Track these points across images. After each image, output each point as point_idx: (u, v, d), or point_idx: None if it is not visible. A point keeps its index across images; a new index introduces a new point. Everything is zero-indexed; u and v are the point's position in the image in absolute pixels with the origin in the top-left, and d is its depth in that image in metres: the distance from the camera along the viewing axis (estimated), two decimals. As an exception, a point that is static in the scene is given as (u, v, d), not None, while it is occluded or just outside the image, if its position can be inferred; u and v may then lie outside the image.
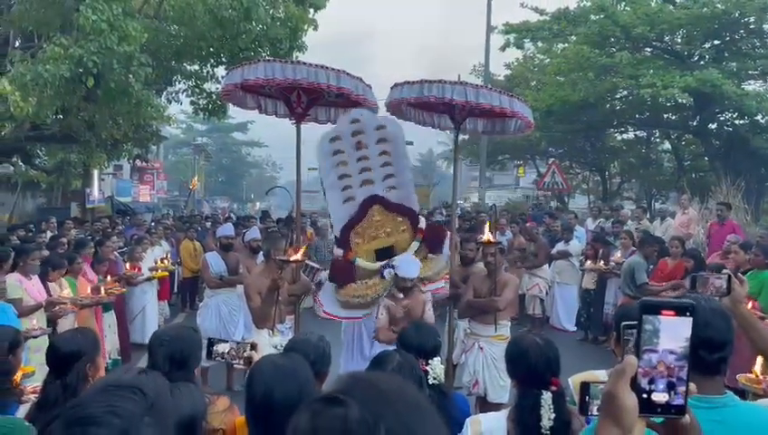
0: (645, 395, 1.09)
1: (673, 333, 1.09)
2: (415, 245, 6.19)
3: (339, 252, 6.30)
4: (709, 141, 21.20)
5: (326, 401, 0.97)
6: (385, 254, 6.17)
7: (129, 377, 1.39)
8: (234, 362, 2.73)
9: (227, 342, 2.81)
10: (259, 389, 2.12)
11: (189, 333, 2.73)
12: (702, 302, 1.98)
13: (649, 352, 1.09)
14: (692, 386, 1.11)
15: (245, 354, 2.69)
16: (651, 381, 1.09)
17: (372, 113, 6.06)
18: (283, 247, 5.80)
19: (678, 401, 1.09)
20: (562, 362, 2.72)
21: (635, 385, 1.09)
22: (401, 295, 5.47)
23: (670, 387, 1.09)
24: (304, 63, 5.48)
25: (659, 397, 1.09)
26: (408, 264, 5.56)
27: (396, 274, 5.53)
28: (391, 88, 6.05)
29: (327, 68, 5.44)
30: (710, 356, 1.88)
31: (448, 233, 6.43)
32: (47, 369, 2.82)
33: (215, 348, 2.74)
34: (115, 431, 1.02)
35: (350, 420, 0.92)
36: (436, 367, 2.92)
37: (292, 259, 5.20)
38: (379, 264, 6.04)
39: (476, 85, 5.66)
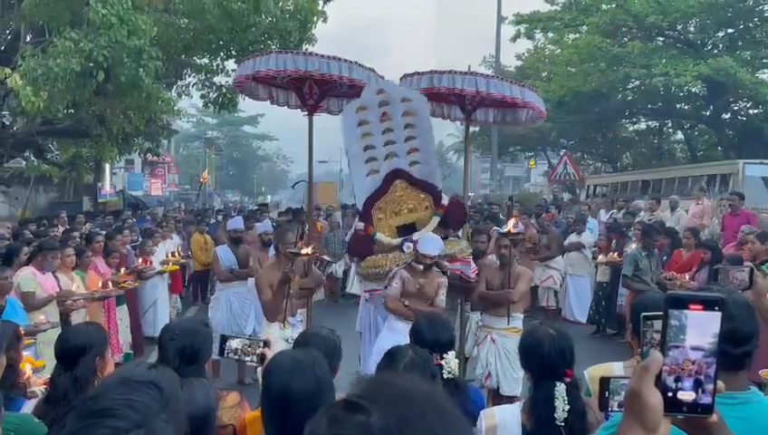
0: (670, 393, 1.04)
1: (701, 329, 1.04)
2: (435, 220, 6.06)
3: (359, 225, 6.17)
4: (723, 131, 21.03)
5: (347, 408, 0.90)
6: (407, 231, 6.05)
7: (144, 372, 1.37)
8: (246, 358, 2.70)
9: (240, 338, 2.78)
10: (276, 383, 2.09)
11: (200, 327, 2.71)
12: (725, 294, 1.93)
13: (675, 349, 1.04)
14: (720, 384, 1.07)
15: (258, 351, 2.66)
16: (677, 379, 1.04)
17: (397, 85, 5.86)
18: (291, 240, 5.76)
19: (706, 399, 1.04)
20: (576, 354, 2.68)
21: (660, 383, 1.04)
22: (420, 267, 5.38)
23: (697, 385, 1.04)
24: (316, 55, 5.46)
25: (686, 395, 1.04)
26: (429, 241, 5.46)
27: (416, 250, 5.46)
28: (401, 79, 6.02)
29: (339, 59, 5.42)
30: (734, 350, 1.82)
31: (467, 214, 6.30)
32: (58, 363, 2.82)
33: (227, 344, 2.72)
34: (132, 425, 1.01)
35: (372, 428, 0.86)
36: (450, 361, 2.88)
37: (302, 253, 5.18)
38: (398, 240, 5.92)
39: (487, 75, 5.63)
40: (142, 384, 1.11)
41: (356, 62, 5.44)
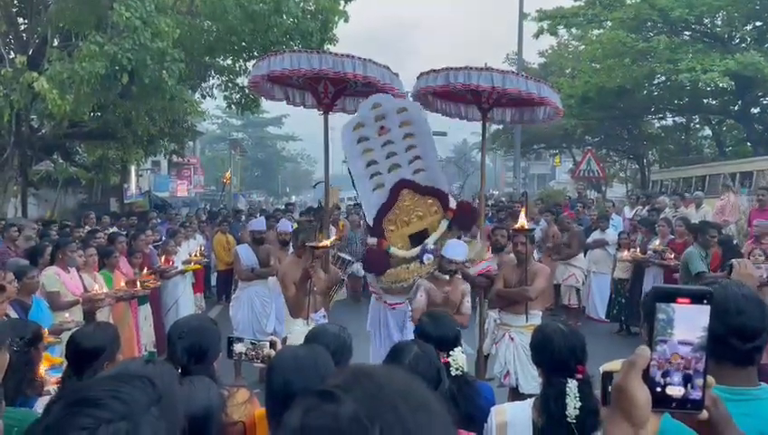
0: (659, 389, 1.02)
1: (689, 323, 1.01)
2: (444, 224, 6.08)
3: (372, 241, 6.21)
4: (752, 126, 20.63)
5: (320, 396, 0.90)
6: (419, 239, 6.08)
7: (141, 367, 1.37)
8: (253, 362, 2.70)
9: (244, 342, 2.79)
10: (278, 380, 2.09)
11: (209, 326, 2.71)
12: (734, 288, 1.88)
13: (663, 343, 1.02)
14: (710, 379, 1.04)
15: (265, 353, 2.66)
16: (666, 374, 1.02)
17: (392, 97, 5.91)
18: (313, 237, 5.79)
19: (696, 394, 1.02)
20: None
21: (648, 378, 1.02)
22: (446, 277, 5.37)
23: (686, 380, 1.02)
24: (330, 53, 5.48)
25: (674, 391, 1.02)
26: (454, 246, 5.46)
27: (442, 256, 5.43)
28: (417, 78, 6.00)
29: (353, 57, 5.43)
30: (743, 345, 1.78)
31: (478, 216, 6.34)
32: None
33: (234, 347, 2.73)
34: (116, 416, 1.00)
35: (341, 417, 0.86)
36: (458, 358, 2.87)
37: (320, 245, 5.21)
38: (414, 251, 5.95)
39: (503, 71, 5.57)
40: (135, 378, 1.10)
41: (370, 60, 5.44)
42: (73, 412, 1.00)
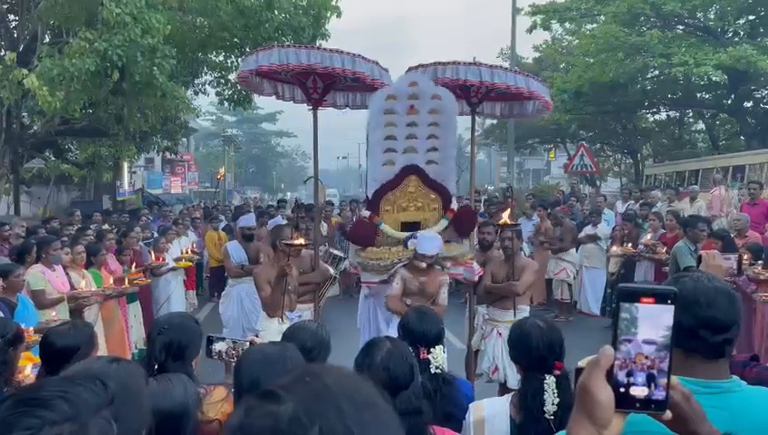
0: (623, 389, 1.01)
1: (653, 322, 1.01)
2: (443, 222, 6.02)
3: (366, 213, 6.14)
4: (745, 120, 20.67)
5: (262, 396, 0.90)
6: (411, 228, 6.02)
7: (98, 367, 1.36)
8: (232, 361, 2.70)
9: (225, 341, 2.78)
10: (246, 377, 2.09)
11: (189, 324, 2.69)
12: (705, 281, 1.88)
13: (627, 343, 1.01)
14: (674, 380, 1.04)
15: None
16: (629, 374, 1.01)
17: (431, 80, 5.77)
18: (287, 235, 5.76)
19: (659, 394, 1.01)
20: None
21: (612, 378, 1.01)
22: (423, 265, 5.31)
23: (650, 380, 1.01)
24: (319, 48, 5.46)
25: (638, 391, 1.01)
26: (427, 240, 5.39)
27: (415, 249, 5.42)
28: (406, 72, 5.99)
29: (342, 52, 5.41)
30: (713, 338, 1.77)
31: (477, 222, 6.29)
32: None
33: (213, 346, 2.72)
34: (60, 417, 0.99)
35: (281, 417, 0.85)
36: (438, 355, 2.86)
37: (295, 243, 5.18)
38: (404, 234, 5.90)
39: (491, 65, 5.56)
40: (87, 379, 1.09)
41: (359, 55, 5.42)
42: (21, 412, 0.99)
